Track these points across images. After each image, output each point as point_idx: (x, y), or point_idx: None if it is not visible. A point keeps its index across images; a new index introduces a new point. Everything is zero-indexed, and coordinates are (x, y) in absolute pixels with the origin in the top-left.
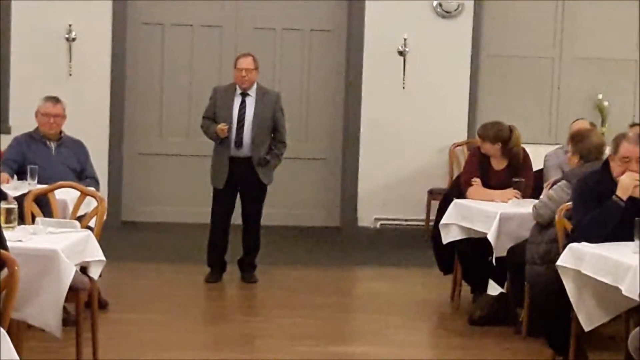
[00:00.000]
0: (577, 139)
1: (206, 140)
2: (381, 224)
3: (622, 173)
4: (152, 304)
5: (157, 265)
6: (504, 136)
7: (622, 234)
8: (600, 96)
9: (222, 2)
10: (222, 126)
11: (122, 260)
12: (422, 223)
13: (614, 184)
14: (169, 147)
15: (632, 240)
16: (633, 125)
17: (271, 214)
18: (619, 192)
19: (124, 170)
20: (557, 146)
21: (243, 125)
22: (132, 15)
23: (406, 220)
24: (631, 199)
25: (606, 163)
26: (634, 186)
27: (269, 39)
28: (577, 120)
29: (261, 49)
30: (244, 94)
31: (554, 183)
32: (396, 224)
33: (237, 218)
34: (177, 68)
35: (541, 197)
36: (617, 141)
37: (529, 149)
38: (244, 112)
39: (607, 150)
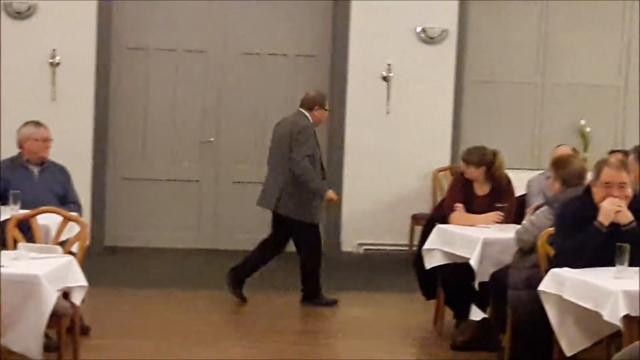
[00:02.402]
0: (558, 164)
1: (190, 166)
2: (365, 249)
3: (604, 199)
4: (135, 330)
5: (140, 290)
6: (487, 160)
7: (603, 259)
8: (582, 122)
9: (207, 27)
10: (333, 195)
11: (105, 286)
12: (406, 248)
13: (595, 209)
14: (152, 172)
15: (614, 265)
16: (613, 151)
17: (255, 238)
18: (600, 218)
19: (107, 195)
20: (539, 171)
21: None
22: (117, 39)
23: (389, 245)
24: (613, 224)
25: (588, 189)
26: (616, 212)
27: (253, 64)
28: (559, 145)
29: (246, 74)
30: None
31: (537, 208)
32: (380, 249)
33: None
34: (161, 93)
35: (523, 222)
36: (599, 167)
37: (512, 174)
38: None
39: (589, 176)
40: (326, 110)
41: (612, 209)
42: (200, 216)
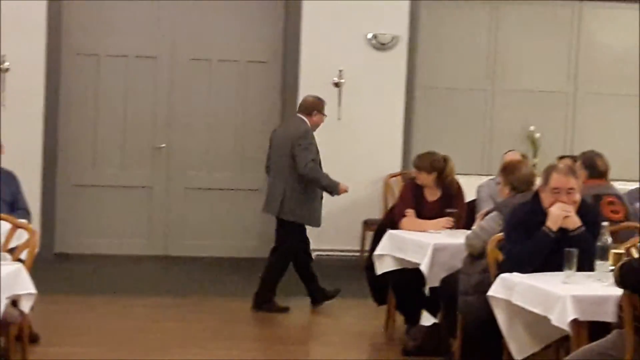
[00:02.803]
0: (507, 170)
1: (141, 172)
2: (316, 255)
3: (553, 204)
4: (85, 337)
5: (90, 297)
6: (438, 166)
7: (552, 264)
8: (532, 128)
9: (158, 33)
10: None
11: (55, 293)
12: (357, 254)
13: (544, 215)
14: (103, 179)
15: (562, 270)
16: (562, 157)
17: (206, 245)
18: (549, 223)
19: (58, 202)
20: (489, 177)
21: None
22: (67, 45)
23: (341, 251)
24: (561, 229)
25: (536, 194)
26: (564, 217)
27: (204, 70)
28: (509, 151)
29: (197, 80)
30: None
31: (486, 214)
32: (331, 255)
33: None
34: (111, 99)
35: (473, 227)
36: (548, 173)
37: (462, 179)
38: None
39: (538, 181)
40: (324, 115)
41: (560, 215)
42: (152, 223)
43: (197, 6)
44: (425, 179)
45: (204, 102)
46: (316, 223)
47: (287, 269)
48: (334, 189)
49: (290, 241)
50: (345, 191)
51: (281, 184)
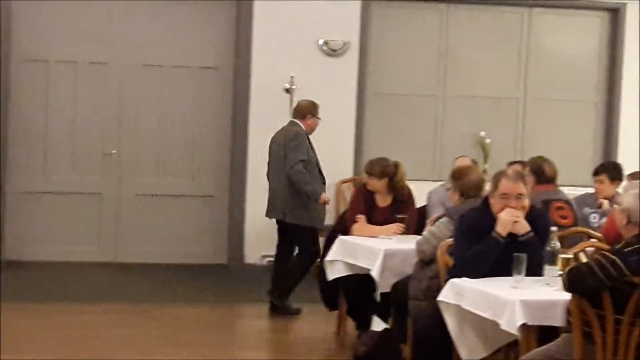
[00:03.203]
0: (457, 176)
1: (92, 178)
2: (268, 261)
3: (502, 209)
4: (35, 345)
5: (40, 305)
6: (390, 172)
7: (501, 269)
8: (482, 133)
9: (108, 38)
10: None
11: (5, 301)
12: None
13: (493, 220)
14: (53, 185)
15: (511, 275)
16: (512, 163)
17: (157, 252)
18: (498, 229)
19: (7, 209)
20: (440, 183)
21: None
22: (16, 51)
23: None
24: (510, 234)
25: (486, 200)
26: (513, 222)
27: (156, 76)
28: (459, 157)
29: (148, 86)
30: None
31: (437, 219)
32: None
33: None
34: (61, 105)
35: (424, 233)
36: (497, 178)
37: (413, 185)
38: None
39: (488, 187)
40: (318, 118)
41: (509, 220)
42: (102, 229)
43: (148, 12)
44: (376, 184)
45: (155, 108)
46: (319, 224)
47: (307, 273)
48: (315, 196)
49: (309, 246)
50: (326, 202)
51: (280, 187)
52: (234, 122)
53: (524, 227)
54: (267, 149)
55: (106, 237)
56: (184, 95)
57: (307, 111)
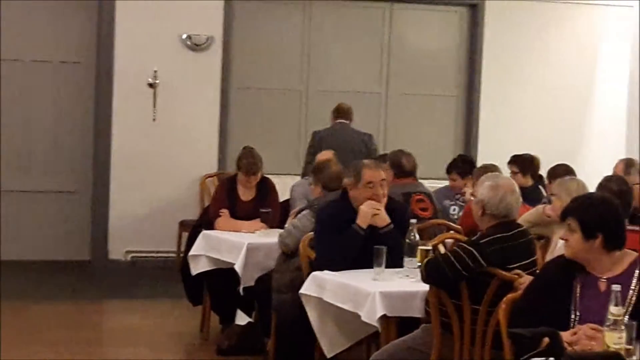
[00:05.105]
0: (317, 170)
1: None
2: (132, 257)
3: (370, 198)
4: None
5: None
6: (257, 168)
7: (362, 262)
8: None
9: None
10: None
11: None
12: (174, 255)
13: (353, 212)
14: None
15: (372, 267)
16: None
17: (18, 248)
18: (358, 221)
19: None
20: (303, 177)
21: None
22: None
23: (158, 252)
24: (371, 227)
25: (345, 192)
26: (373, 214)
27: (16, 71)
28: (322, 151)
29: (7, 81)
30: None
31: (299, 212)
32: (148, 256)
33: None
34: None
35: (286, 225)
36: (358, 170)
37: (277, 179)
38: None
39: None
40: None
41: (369, 212)
42: None
43: (7, 5)
44: (242, 179)
45: (16, 104)
46: None
47: None
48: None
49: None
50: None
51: None
52: (96, 117)
53: (384, 219)
54: (128, 145)
55: None
56: (45, 90)
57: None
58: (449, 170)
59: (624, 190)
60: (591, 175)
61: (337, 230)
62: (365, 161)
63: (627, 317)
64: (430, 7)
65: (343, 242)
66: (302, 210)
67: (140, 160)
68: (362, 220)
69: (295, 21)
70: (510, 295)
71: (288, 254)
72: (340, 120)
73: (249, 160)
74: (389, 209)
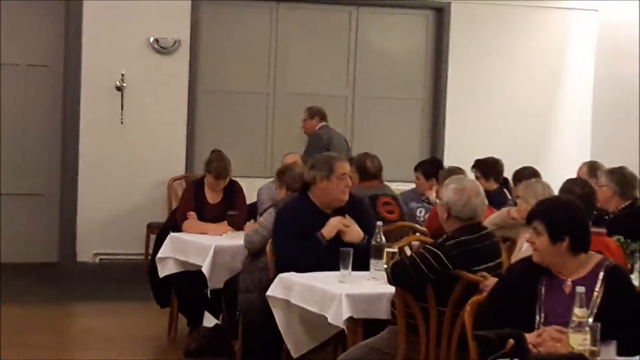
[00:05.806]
0: (281, 172)
1: None
2: (100, 259)
3: (345, 189)
4: None
5: None
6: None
7: (330, 264)
8: None
9: None
10: None
11: None
12: (141, 257)
13: (314, 208)
14: None
15: (339, 269)
16: None
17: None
18: (324, 230)
19: None
20: (270, 179)
21: None
22: None
23: (125, 254)
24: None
25: (304, 190)
26: (339, 230)
27: None
28: (288, 154)
29: None
30: None
31: (264, 212)
32: (116, 259)
33: None
34: None
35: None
36: (330, 164)
37: (244, 182)
38: None
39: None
40: None
41: (336, 226)
42: None
43: None
44: (211, 182)
45: None
46: None
47: None
48: None
49: None
50: None
51: None
52: (64, 120)
53: (352, 237)
54: (96, 148)
55: None
56: (13, 93)
57: None
58: (417, 168)
59: (588, 192)
60: (556, 177)
61: (297, 228)
62: (333, 154)
63: (591, 319)
64: (397, 10)
65: (305, 246)
66: (267, 209)
67: (107, 163)
68: (327, 232)
69: (262, 25)
70: (475, 297)
71: (255, 253)
72: (325, 123)
73: (219, 164)
74: (352, 208)
